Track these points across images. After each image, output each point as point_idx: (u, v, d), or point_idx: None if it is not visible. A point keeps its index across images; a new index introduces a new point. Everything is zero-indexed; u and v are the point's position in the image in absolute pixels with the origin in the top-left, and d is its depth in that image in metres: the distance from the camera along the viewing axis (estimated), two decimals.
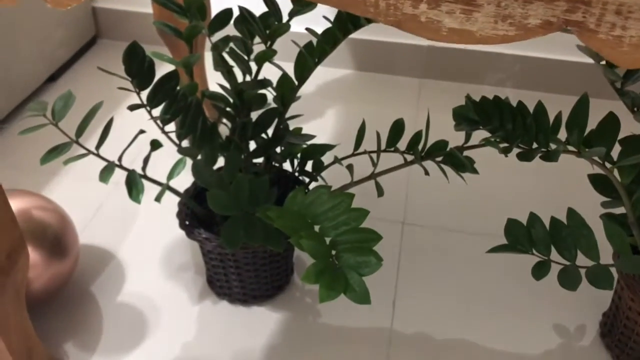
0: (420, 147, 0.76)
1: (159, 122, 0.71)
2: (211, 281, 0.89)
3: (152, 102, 0.68)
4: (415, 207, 1.04)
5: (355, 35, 0.74)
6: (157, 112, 0.73)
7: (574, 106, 0.61)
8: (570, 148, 0.60)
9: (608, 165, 0.61)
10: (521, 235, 0.63)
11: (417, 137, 0.76)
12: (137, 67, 0.69)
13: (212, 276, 0.87)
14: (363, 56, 1.42)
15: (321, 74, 1.42)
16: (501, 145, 0.59)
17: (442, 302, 0.88)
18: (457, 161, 0.72)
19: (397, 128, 0.78)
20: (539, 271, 0.61)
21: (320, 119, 1.25)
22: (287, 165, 0.87)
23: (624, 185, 0.61)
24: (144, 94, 0.71)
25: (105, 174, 0.71)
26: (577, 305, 0.86)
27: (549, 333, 0.83)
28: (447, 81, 1.40)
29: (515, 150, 0.60)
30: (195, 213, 0.81)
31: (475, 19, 0.32)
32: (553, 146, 0.60)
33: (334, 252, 0.57)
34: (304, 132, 0.84)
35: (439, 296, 0.89)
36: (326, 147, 0.83)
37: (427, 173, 0.73)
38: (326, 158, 0.82)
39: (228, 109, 0.80)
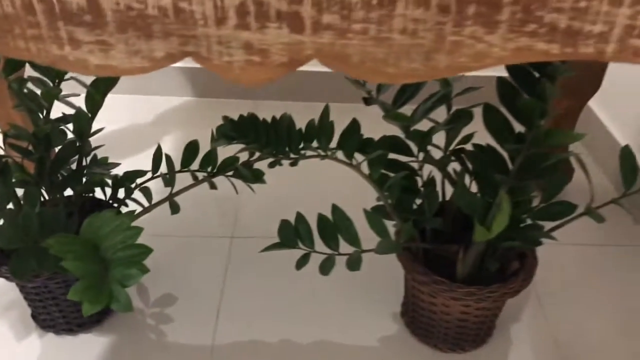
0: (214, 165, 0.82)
1: None
2: (35, 315, 0.90)
3: None
4: (244, 221, 1.11)
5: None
6: None
7: (320, 116, 0.70)
8: (321, 152, 0.69)
9: (355, 162, 0.71)
10: (291, 233, 0.71)
11: (208, 155, 0.82)
12: None
13: (34, 310, 0.89)
14: (201, 84, 1.48)
15: (161, 103, 1.47)
16: (257, 154, 0.67)
17: (264, 305, 0.95)
18: (244, 174, 0.79)
19: (192, 149, 0.84)
20: (302, 261, 0.69)
21: (152, 146, 1.30)
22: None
23: (372, 178, 0.71)
24: None
25: None
26: (386, 291, 0.96)
27: (363, 319, 0.92)
28: (278, 101, 1.49)
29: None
30: (3, 251, 0.82)
31: (113, 55, 0.38)
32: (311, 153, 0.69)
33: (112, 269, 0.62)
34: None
35: (262, 301, 0.95)
36: (135, 174, 0.88)
37: (213, 187, 0.80)
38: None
39: (29, 147, 0.83)
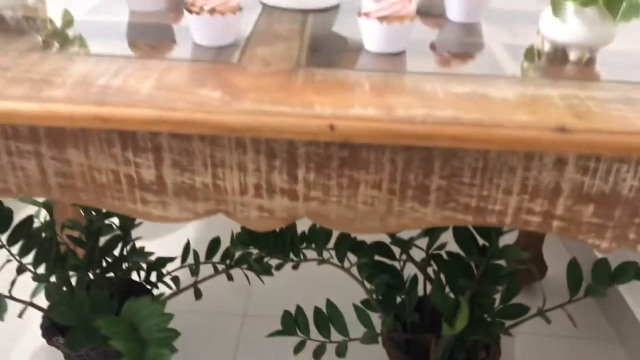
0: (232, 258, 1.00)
1: (17, 257, 0.92)
2: None
3: (11, 242, 0.89)
4: (257, 301, 1.27)
5: None
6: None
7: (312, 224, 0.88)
8: (318, 257, 0.86)
9: (347, 264, 0.87)
10: (291, 323, 0.87)
11: (227, 251, 1.00)
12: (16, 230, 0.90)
13: None
14: None
15: None
16: (266, 259, 0.84)
17: None
18: (256, 268, 0.96)
19: (214, 245, 1.02)
20: (299, 347, 0.85)
21: (181, 229, 1.48)
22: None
23: (357, 279, 0.88)
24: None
25: None
26: None
27: None
28: None
29: None
30: (56, 324, 0.99)
31: (169, 210, 0.56)
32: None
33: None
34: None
35: None
36: (166, 260, 1.05)
37: (230, 279, 0.97)
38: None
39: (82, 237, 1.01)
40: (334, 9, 0.75)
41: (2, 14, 0.66)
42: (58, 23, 0.67)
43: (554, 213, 0.54)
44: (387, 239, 0.92)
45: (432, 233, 0.94)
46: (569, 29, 0.58)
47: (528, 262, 1.06)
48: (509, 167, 0.52)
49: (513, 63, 0.60)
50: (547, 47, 0.62)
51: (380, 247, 0.94)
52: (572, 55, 0.60)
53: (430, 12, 0.75)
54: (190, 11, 0.58)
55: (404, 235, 0.90)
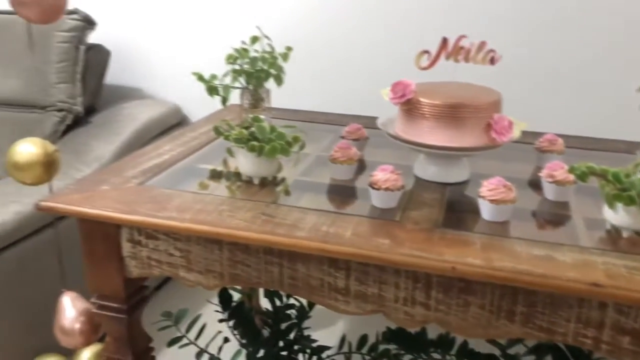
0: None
1: (231, 329, 1.32)
2: None
3: (229, 320, 1.30)
4: None
5: None
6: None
7: (446, 331, 1.18)
8: None
9: None
10: None
11: (374, 345, 1.32)
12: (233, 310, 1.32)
13: None
14: None
15: None
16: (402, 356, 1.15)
17: None
18: None
19: (363, 340, 1.35)
20: None
21: (333, 328, 1.83)
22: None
23: None
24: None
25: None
26: None
27: None
28: None
29: None
30: None
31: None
32: None
33: None
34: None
35: None
36: (325, 348, 1.40)
37: None
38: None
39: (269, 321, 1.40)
40: (465, 183, 1.10)
41: (253, 177, 1.11)
42: (283, 183, 1.09)
43: (601, 339, 0.81)
44: (498, 352, 1.20)
45: (537, 352, 1.20)
46: (620, 217, 0.87)
47: None
48: (568, 304, 0.81)
49: (586, 234, 0.90)
50: (607, 226, 0.92)
51: (491, 359, 1.21)
52: (624, 234, 0.88)
53: (532, 191, 1.07)
54: (372, 187, 0.97)
55: (512, 350, 1.17)
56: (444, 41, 1.07)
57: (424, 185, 1.09)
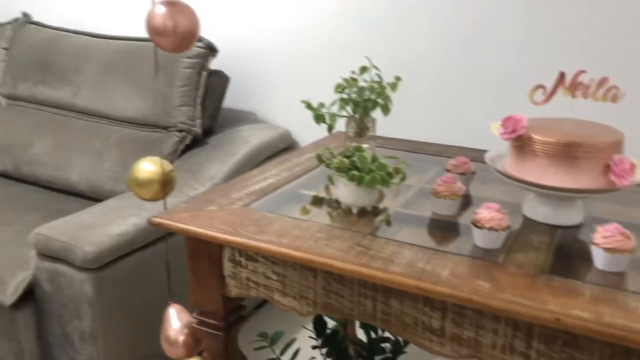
0: None
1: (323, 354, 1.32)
2: None
3: (322, 347, 1.30)
4: None
5: None
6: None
7: None
8: None
9: None
10: None
11: None
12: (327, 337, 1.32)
13: None
14: None
15: None
16: None
17: None
18: None
19: None
20: None
21: None
22: None
23: None
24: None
25: None
26: None
27: None
28: None
29: None
30: None
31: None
32: None
33: None
34: None
35: None
36: None
37: None
38: None
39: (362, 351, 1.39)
40: (578, 227, 1.03)
41: (351, 207, 1.11)
42: (383, 214, 1.08)
43: None
44: None
45: None
46: None
47: None
48: None
49: None
50: None
51: None
52: None
53: None
54: (475, 225, 0.93)
55: None
56: (561, 76, 1.01)
57: (533, 227, 1.03)
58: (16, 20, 2.17)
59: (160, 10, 0.92)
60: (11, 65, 2.10)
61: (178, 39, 0.95)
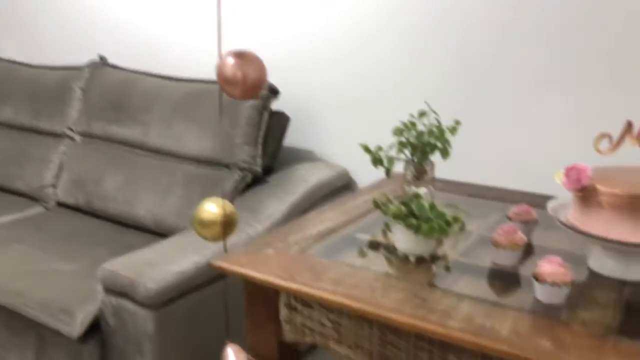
0: None
1: None
2: None
3: None
4: None
5: None
6: None
7: None
8: None
9: None
10: None
11: None
12: None
13: None
14: None
15: None
16: None
17: None
18: None
19: None
20: None
21: None
22: None
23: None
24: None
25: None
26: None
27: None
28: None
29: None
30: None
31: None
32: None
33: None
34: None
35: None
36: None
37: None
38: None
39: None
40: None
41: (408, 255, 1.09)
42: (441, 262, 1.06)
43: None
44: None
45: None
46: None
47: None
48: None
49: None
50: None
51: None
52: None
53: None
54: (537, 279, 0.90)
55: None
56: (629, 125, 0.98)
57: (599, 281, 0.98)
58: (93, 62, 2.30)
59: (230, 61, 0.95)
60: (87, 105, 2.22)
61: (247, 88, 0.98)
